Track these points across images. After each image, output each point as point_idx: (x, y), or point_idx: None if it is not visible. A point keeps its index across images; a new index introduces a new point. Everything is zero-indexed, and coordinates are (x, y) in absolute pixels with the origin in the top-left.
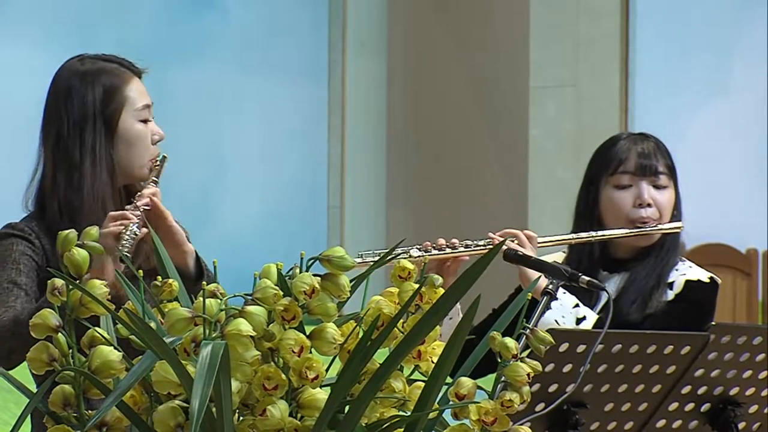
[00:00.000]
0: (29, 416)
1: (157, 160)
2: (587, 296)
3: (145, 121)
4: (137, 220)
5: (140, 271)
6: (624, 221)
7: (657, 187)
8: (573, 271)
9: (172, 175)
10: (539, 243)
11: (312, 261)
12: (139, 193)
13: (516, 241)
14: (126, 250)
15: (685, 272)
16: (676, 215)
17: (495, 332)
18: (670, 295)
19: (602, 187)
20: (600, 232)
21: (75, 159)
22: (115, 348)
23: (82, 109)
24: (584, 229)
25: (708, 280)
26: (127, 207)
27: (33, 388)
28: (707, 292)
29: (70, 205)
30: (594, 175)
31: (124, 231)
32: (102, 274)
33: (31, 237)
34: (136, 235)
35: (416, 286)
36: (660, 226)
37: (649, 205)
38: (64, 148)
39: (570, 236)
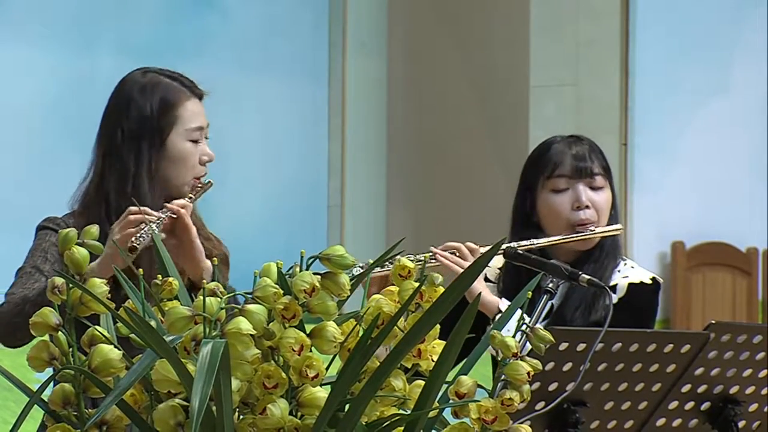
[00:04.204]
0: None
1: (200, 180)
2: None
3: (195, 141)
4: (157, 221)
5: (140, 270)
6: (563, 225)
7: (593, 188)
8: (573, 270)
9: None
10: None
11: (312, 260)
12: (173, 201)
13: (458, 254)
14: (137, 243)
15: (628, 274)
16: (614, 215)
17: (495, 331)
18: (614, 299)
19: (539, 192)
20: (542, 240)
21: (129, 168)
22: (115, 347)
23: (140, 120)
24: (522, 235)
25: (650, 281)
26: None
27: (33, 387)
28: (650, 294)
29: (118, 210)
30: (529, 180)
31: (141, 227)
32: (108, 264)
33: None
34: (153, 232)
35: (416, 284)
36: (602, 229)
37: (587, 207)
38: (117, 155)
39: (511, 245)
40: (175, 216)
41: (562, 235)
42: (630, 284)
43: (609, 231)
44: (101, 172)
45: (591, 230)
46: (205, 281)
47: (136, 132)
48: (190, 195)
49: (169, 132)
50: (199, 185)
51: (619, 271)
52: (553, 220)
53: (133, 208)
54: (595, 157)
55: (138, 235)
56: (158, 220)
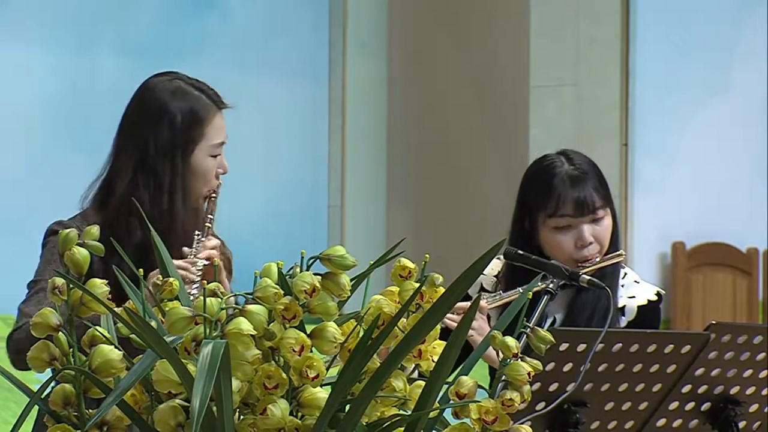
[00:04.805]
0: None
1: (213, 192)
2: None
3: (215, 156)
4: (197, 280)
5: (141, 270)
6: (566, 260)
7: (595, 221)
8: (573, 270)
9: None
10: (489, 304)
11: (312, 260)
12: (197, 242)
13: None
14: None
15: (634, 293)
16: (615, 236)
17: (495, 331)
18: (623, 321)
19: (540, 225)
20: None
21: (164, 183)
22: (116, 347)
23: (172, 133)
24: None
25: (655, 297)
26: (188, 258)
27: (34, 387)
28: (656, 311)
29: (158, 225)
30: (529, 205)
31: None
32: None
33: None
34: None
35: (417, 285)
36: (603, 261)
37: (590, 243)
38: (151, 168)
39: (513, 293)
40: (208, 263)
41: None
42: (639, 307)
43: (610, 261)
44: (132, 180)
45: (593, 262)
46: None
47: (169, 144)
48: (210, 215)
49: (195, 147)
50: (213, 195)
51: (623, 285)
52: (556, 254)
53: (178, 262)
54: (593, 187)
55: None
56: (199, 276)
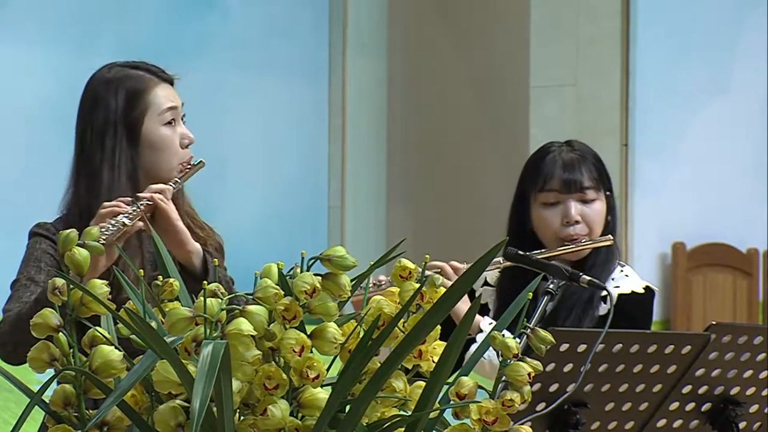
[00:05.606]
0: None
1: (188, 164)
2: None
3: (171, 123)
4: (129, 213)
5: (141, 270)
6: (553, 239)
7: (585, 201)
8: (573, 271)
9: None
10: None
11: (313, 260)
12: (149, 187)
13: (440, 272)
14: (105, 238)
15: (619, 284)
16: (611, 223)
17: (495, 332)
18: (603, 309)
19: (532, 204)
20: (532, 254)
21: (95, 165)
22: (116, 347)
23: (105, 116)
24: (516, 243)
25: (643, 290)
26: (124, 199)
27: (34, 388)
28: (640, 304)
29: (90, 211)
30: (524, 189)
31: (109, 220)
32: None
33: (54, 237)
34: (124, 225)
35: (417, 285)
36: (590, 242)
37: (577, 222)
38: (87, 155)
39: (500, 260)
40: (150, 203)
41: (552, 248)
42: (620, 295)
43: (597, 243)
44: (76, 176)
45: (579, 243)
46: (195, 265)
47: (102, 128)
48: (176, 179)
49: (142, 121)
50: (188, 167)
51: (613, 278)
52: (544, 233)
53: (106, 203)
54: (586, 169)
55: (104, 228)
56: (132, 211)
